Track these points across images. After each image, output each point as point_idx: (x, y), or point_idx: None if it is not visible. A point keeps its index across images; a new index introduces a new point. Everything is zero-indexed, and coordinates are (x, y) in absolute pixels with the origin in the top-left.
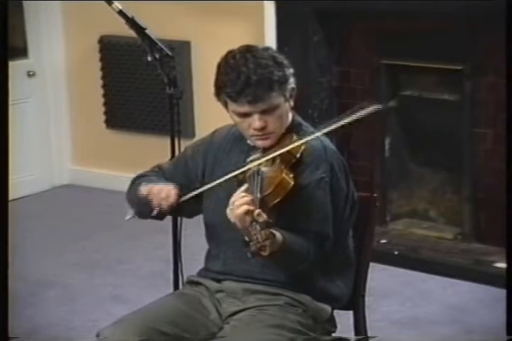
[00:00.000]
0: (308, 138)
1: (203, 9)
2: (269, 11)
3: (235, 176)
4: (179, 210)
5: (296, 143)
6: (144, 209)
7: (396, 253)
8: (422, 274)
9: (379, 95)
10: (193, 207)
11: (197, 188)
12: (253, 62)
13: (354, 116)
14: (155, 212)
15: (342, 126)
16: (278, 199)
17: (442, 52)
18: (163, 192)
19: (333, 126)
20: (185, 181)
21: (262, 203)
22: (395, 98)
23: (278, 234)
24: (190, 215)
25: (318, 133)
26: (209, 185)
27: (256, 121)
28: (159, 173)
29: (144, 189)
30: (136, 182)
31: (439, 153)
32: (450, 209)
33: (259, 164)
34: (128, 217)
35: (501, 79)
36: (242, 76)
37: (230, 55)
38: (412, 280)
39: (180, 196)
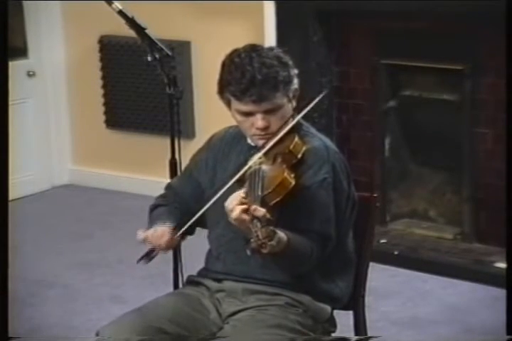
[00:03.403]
0: (295, 120)
1: (203, 9)
2: (269, 10)
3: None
4: (191, 231)
5: (287, 128)
6: (148, 253)
7: (396, 253)
8: (422, 274)
9: (379, 95)
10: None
11: (200, 208)
12: (258, 62)
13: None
14: (155, 253)
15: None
16: (278, 199)
17: (442, 52)
18: (158, 232)
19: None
20: (197, 192)
21: (263, 202)
22: (394, 98)
23: (282, 235)
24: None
25: (301, 114)
26: (210, 202)
27: (259, 121)
28: (171, 195)
29: (140, 236)
30: (150, 214)
31: (439, 153)
32: (450, 209)
33: (261, 162)
34: (138, 262)
35: (501, 79)
36: (248, 75)
37: (235, 53)
38: (412, 280)
39: (174, 230)
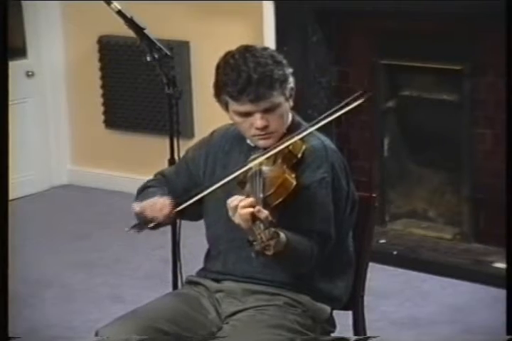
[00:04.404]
0: (306, 132)
1: (202, 9)
2: (268, 10)
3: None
4: (183, 216)
5: (294, 138)
6: (141, 222)
7: (395, 253)
8: (421, 274)
9: (378, 95)
10: (197, 210)
11: (197, 193)
12: (253, 61)
13: (346, 108)
14: (151, 225)
15: (335, 118)
16: (280, 200)
17: (442, 52)
18: (157, 205)
19: (328, 119)
20: (189, 184)
21: (265, 203)
22: (394, 98)
23: (282, 235)
24: (196, 218)
25: (313, 127)
26: (210, 189)
27: (258, 120)
28: (162, 181)
29: (136, 206)
30: (139, 195)
31: (438, 153)
32: (449, 209)
33: (261, 164)
34: (126, 230)
35: (500, 79)
36: (244, 74)
37: (229, 55)
38: (411, 280)
39: (175, 205)
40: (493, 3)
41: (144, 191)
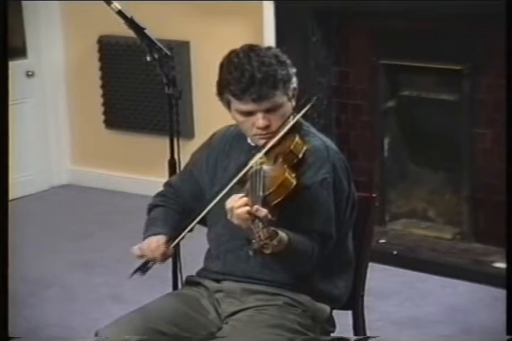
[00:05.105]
0: (293, 122)
1: (202, 9)
2: (268, 10)
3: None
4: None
5: (284, 129)
6: (144, 264)
7: (395, 253)
8: (421, 274)
9: (378, 95)
10: None
11: (199, 212)
12: (257, 61)
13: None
14: (150, 264)
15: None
16: (280, 199)
17: (442, 52)
18: (152, 245)
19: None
20: (196, 190)
21: (264, 202)
22: (394, 98)
23: (283, 234)
24: None
25: (287, 128)
26: (207, 207)
27: (260, 120)
28: (169, 193)
29: (135, 250)
30: (148, 215)
31: (438, 153)
32: (449, 209)
33: (262, 163)
34: (131, 277)
35: (500, 79)
36: (247, 74)
37: (233, 54)
38: (410, 280)
39: (170, 241)
40: (493, 3)
41: (151, 213)
